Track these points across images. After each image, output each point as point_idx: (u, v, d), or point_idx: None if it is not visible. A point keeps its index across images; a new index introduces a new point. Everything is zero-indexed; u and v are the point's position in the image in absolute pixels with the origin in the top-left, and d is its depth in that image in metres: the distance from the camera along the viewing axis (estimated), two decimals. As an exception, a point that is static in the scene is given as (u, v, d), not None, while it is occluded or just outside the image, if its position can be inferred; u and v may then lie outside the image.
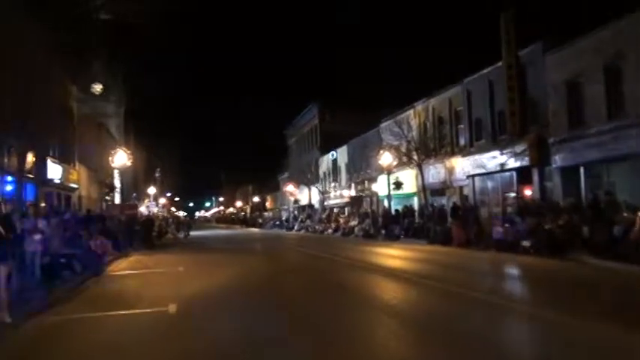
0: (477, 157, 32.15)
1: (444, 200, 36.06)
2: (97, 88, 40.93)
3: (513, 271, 18.59)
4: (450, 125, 36.05)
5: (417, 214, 37.52)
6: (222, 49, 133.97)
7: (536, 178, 27.42)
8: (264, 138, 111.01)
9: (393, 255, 24.64)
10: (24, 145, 20.57)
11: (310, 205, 66.02)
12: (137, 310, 12.03)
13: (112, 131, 48.20)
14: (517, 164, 28.42)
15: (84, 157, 37.07)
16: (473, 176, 32.48)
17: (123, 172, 44.95)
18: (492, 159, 30.46)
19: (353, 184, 53.74)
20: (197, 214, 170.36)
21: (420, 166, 35.57)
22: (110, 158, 35.96)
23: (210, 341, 9.02)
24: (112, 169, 39.92)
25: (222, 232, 69.74)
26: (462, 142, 34.82)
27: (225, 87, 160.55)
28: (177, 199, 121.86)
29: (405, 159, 37.68)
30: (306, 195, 66.76)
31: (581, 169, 24.80)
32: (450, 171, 35.21)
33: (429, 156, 36.02)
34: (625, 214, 19.39)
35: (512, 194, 29.30)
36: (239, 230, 74.29)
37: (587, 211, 22.13)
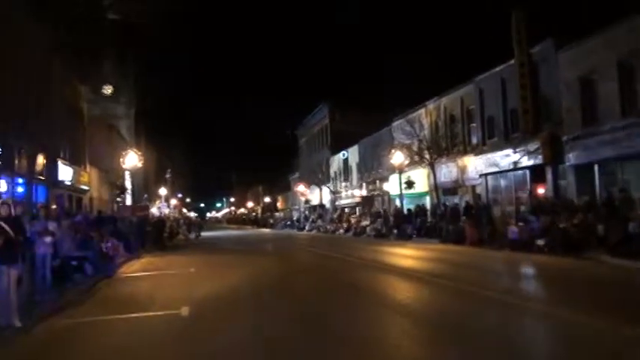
0: (489, 155, 31.90)
1: (456, 199, 35.82)
2: (108, 89, 40.98)
3: (529, 270, 18.35)
4: (462, 124, 35.85)
5: (429, 213, 37.32)
6: (230, 49, 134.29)
7: (549, 176, 27.18)
8: (275, 138, 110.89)
9: (405, 255, 24.46)
10: (34, 147, 20.53)
11: (321, 205, 65.87)
12: (149, 313, 11.92)
13: (122, 132, 48.25)
14: (530, 162, 28.17)
15: (95, 158, 37.09)
16: (485, 175, 32.23)
17: (134, 173, 44.97)
18: (505, 157, 30.21)
19: (364, 184, 53.59)
20: (208, 214, 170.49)
21: (432, 165, 35.40)
22: (121, 159, 35.93)
23: (225, 344, 8.91)
24: (123, 170, 39.93)
25: (233, 232, 69.69)
26: (474, 140, 34.59)
27: (234, 87, 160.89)
28: (188, 200, 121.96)
29: (416, 158, 37.51)
30: (317, 195, 66.63)
31: (595, 167, 24.54)
32: (463, 170, 34.99)
33: (441, 155, 35.82)
34: (640, 212, 19.19)
35: (526, 193, 29.06)
36: (250, 231, 74.22)
37: (602, 209, 21.90)
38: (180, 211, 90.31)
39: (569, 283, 14.72)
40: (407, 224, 35.46)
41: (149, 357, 8.59)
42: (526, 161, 28.44)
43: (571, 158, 25.68)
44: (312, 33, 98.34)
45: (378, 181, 49.51)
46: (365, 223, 43.70)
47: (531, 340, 8.84)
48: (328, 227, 52.38)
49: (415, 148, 37.32)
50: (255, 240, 45.93)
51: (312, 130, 75.50)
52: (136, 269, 22.41)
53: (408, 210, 38.28)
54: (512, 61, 28.89)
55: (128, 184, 46.87)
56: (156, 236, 35.55)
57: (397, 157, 37.15)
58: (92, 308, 12.93)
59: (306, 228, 59.50)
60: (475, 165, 33.57)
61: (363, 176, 53.92)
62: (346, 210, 57.70)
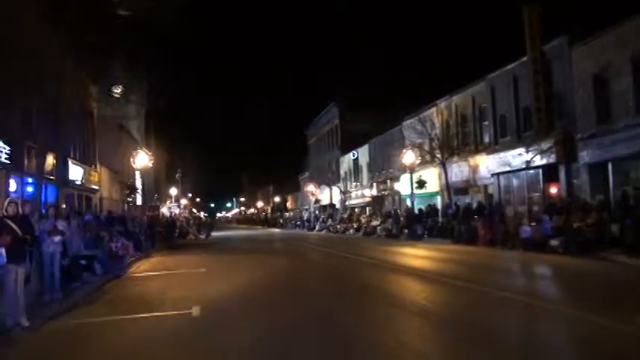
0: (501, 154, 31.63)
1: (467, 199, 35.59)
2: (118, 90, 40.94)
3: (544, 270, 18.11)
4: (474, 122, 35.57)
5: (440, 213, 37.08)
6: (237, 46, 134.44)
7: (562, 175, 26.90)
8: (284, 138, 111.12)
9: (417, 255, 24.25)
10: (44, 147, 20.46)
11: (331, 205, 65.78)
12: (160, 313, 11.76)
13: (132, 132, 48.22)
14: (543, 161, 27.90)
15: (105, 158, 37.05)
16: (497, 174, 31.98)
17: (144, 173, 45.00)
18: (518, 156, 29.94)
19: (374, 184, 53.43)
20: (218, 214, 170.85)
21: (443, 165, 35.15)
22: (131, 159, 35.98)
23: (237, 345, 8.78)
24: (134, 170, 39.92)
25: (243, 232, 69.63)
26: (486, 139, 34.34)
27: (245, 87, 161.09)
28: (198, 199, 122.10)
29: (428, 157, 37.27)
30: (327, 195, 66.52)
31: (610, 165, 24.27)
32: (474, 169, 34.74)
33: (453, 154, 35.57)
34: (656, 211, 18.92)
35: (539, 192, 28.81)
36: (260, 231, 74.19)
37: (616, 208, 21.64)
38: (191, 211, 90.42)
39: (586, 284, 14.46)
40: (418, 224, 35.22)
41: (161, 359, 8.44)
42: (539, 160, 28.17)
43: (585, 157, 25.40)
44: (322, 31, 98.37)
45: (388, 181, 49.35)
46: (375, 223, 43.50)
47: (552, 342, 8.55)
48: (338, 227, 52.18)
49: (427, 147, 37.07)
50: (266, 240, 45.83)
51: (322, 130, 75.40)
52: (145, 269, 22.31)
53: (419, 210, 38.03)
54: (525, 59, 28.59)
55: (138, 184, 46.86)
56: (166, 236, 35.51)
57: (408, 157, 36.98)
58: (101, 308, 12.77)
59: (316, 228, 59.37)
60: (487, 164, 33.30)
61: (374, 176, 53.77)
62: (356, 210, 57.55)
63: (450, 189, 35.57)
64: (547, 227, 22.85)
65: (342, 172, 64.92)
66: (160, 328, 10.52)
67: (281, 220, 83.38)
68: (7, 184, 19.82)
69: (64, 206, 21.97)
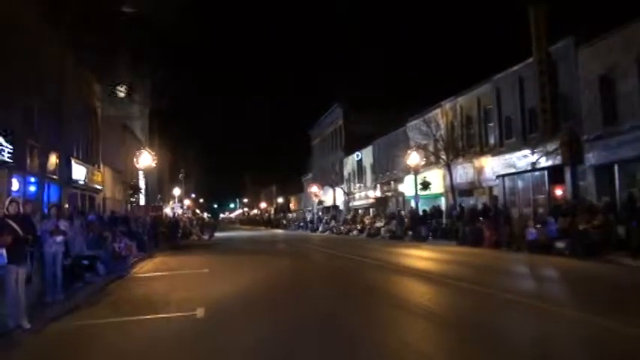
0: (507, 156, 31.50)
1: (471, 200, 35.46)
2: (121, 89, 40.93)
3: (550, 272, 17.92)
4: (479, 124, 35.45)
5: (444, 214, 36.95)
6: (237, 46, 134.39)
7: (568, 177, 26.72)
8: (285, 138, 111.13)
9: (422, 256, 24.13)
10: (47, 146, 20.36)
11: (335, 206, 65.69)
12: (164, 315, 11.62)
13: (136, 132, 48.14)
14: (549, 163, 27.74)
15: (108, 158, 36.98)
16: (503, 176, 31.80)
17: (147, 173, 44.90)
18: (523, 158, 29.80)
19: (378, 185, 53.32)
20: (221, 215, 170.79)
21: (448, 166, 35.03)
22: (135, 159, 35.89)
23: (242, 346, 8.69)
24: (137, 170, 39.83)
25: (246, 233, 69.60)
26: (491, 141, 34.21)
27: (248, 88, 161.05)
28: (201, 200, 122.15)
29: (432, 159, 37.15)
30: (330, 196, 66.44)
31: (616, 167, 24.12)
32: (479, 171, 34.61)
33: (458, 155, 35.44)
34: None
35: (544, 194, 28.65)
36: (263, 231, 74.10)
37: (622, 210, 21.51)
38: (194, 212, 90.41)
39: (592, 287, 14.38)
40: (422, 226, 35.08)
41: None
42: (544, 162, 28.02)
43: (591, 158, 25.25)
44: (322, 31, 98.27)
45: (392, 182, 49.24)
46: (379, 224, 43.38)
47: (557, 345, 8.45)
48: (342, 228, 52.11)
49: (431, 148, 36.95)
50: (269, 241, 45.77)
51: (326, 131, 75.33)
52: (149, 269, 22.23)
53: (424, 211, 37.91)
54: (531, 60, 28.45)
55: (142, 184, 46.76)
56: (169, 236, 35.42)
57: (413, 158, 36.86)
58: (104, 309, 12.63)
59: (320, 229, 59.25)
60: (492, 166, 33.17)
61: (378, 177, 53.66)
62: (360, 211, 57.42)
63: (454, 190, 35.43)
64: (552, 229, 22.72)
65: (345, 174, 64.84)
66: (164, 329, 10.37)
67: (284, 221, 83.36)
68: (10, 184, 19.74)
69: (66, 206, 21.89)
